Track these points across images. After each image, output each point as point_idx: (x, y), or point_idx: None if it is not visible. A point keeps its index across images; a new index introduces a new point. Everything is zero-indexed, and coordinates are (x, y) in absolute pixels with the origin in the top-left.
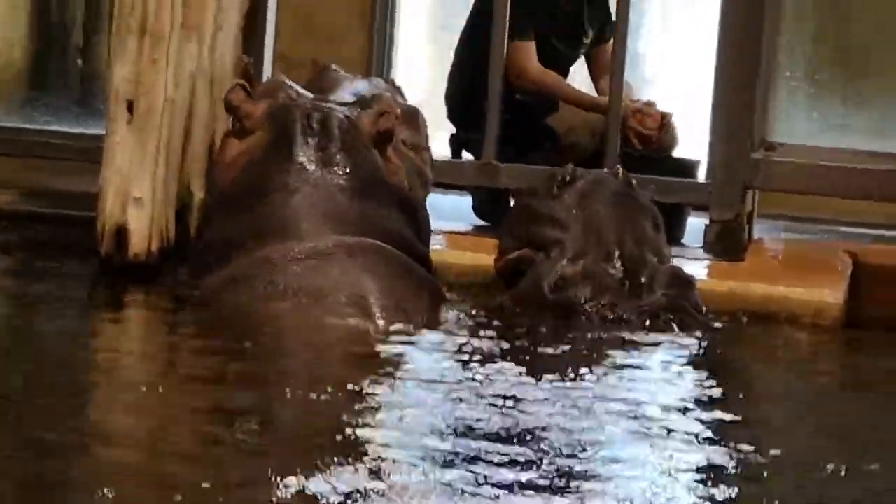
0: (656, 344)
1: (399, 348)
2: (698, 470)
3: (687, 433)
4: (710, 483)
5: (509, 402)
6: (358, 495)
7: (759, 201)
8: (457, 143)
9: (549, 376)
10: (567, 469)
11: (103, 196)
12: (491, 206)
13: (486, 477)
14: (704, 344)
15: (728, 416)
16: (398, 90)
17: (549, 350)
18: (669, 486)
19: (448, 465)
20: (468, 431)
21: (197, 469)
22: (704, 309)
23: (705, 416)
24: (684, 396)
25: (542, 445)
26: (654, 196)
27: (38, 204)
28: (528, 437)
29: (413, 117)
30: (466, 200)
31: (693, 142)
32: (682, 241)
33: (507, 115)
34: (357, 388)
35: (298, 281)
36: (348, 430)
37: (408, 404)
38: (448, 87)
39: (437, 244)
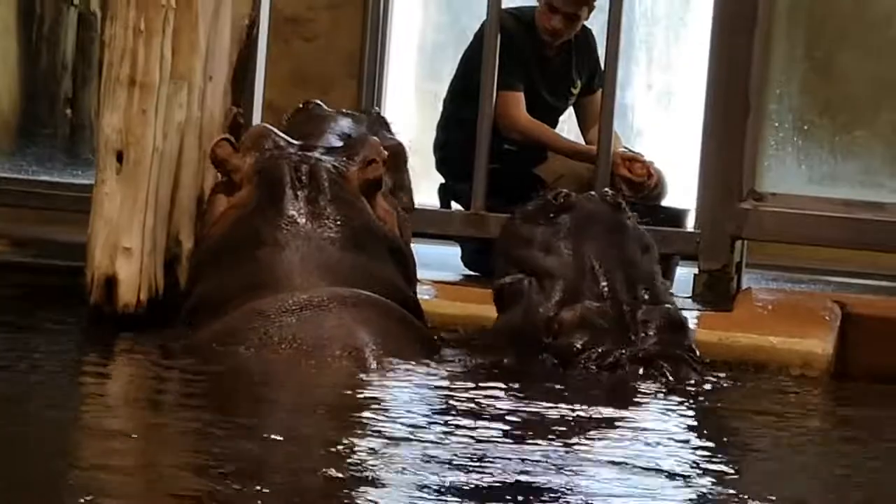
0: (649, 394)
1: (393, 401)
2: None
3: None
4: None
5: (495, 461)
6: None
7: (747, 251)
8: (445, 194)
9: (545, 436)
10: None
11: (92, 246)
12: (479, 257)
13: None
14: (696, 394)
15: (722, 477)
16: (383, 122)
17: (544, 403)
18: None
19: None
20: (462, 492)
21: None
22: (698, 351)
23: (698, 481)
24: (677, 455)
25: None
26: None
27: (26, 254)
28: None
29: (397, 157)
30: (454, 251)
31: (681, 191)
32: (671, 290)
33: (496, 165)
34: (347, 444)
35: (293, 332)
36: (336, 488)
37: (400, 461)
38: (437, 137)
39: (426, 294)
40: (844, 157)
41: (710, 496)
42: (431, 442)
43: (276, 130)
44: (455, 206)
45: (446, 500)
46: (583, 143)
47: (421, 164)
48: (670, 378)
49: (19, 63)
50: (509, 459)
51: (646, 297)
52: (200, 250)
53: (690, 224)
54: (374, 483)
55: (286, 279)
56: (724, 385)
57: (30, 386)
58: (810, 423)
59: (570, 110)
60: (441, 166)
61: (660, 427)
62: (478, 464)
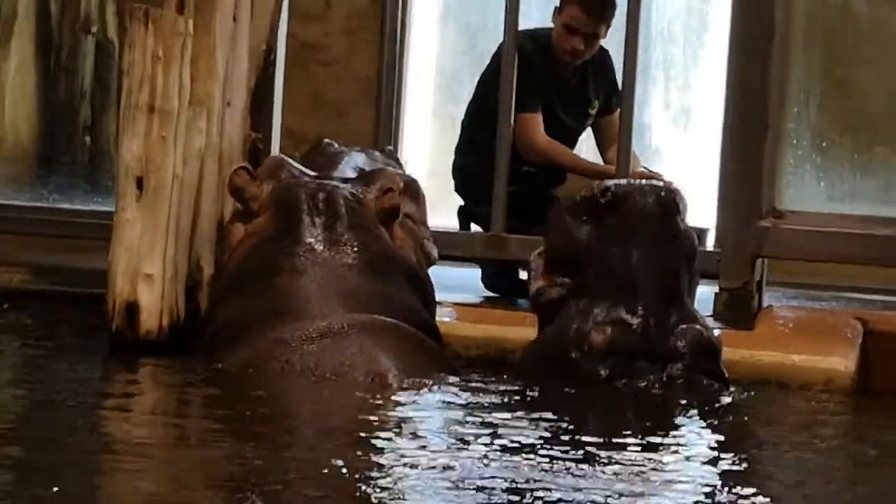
0: (676, 418)
1: (416, 424)
2: None
3: None
4: None
5: (519, 484)
6: None
7: (767, 269)
8: (465, 216)
9: (567, 461)
10: None
11: (113, 273)
12: (500, 278)
13: None
14: (722, 417)
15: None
16: (395, 160)
17: (568, 426)
18: None
19: None
20: None
21: None
22: (727, 374)
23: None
24: (705, 482)
25: None
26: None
27: (48, 282)
28: None
29: (414, 189)
30: (474, 273)
31: (700, 210)
32: None
33: (515, 187)
34: (369, 473)
35: (314, 360)
36: None
37: (422, 489)
38: (455, 159)
39: (446, 316)
40: (864, 174)
41: None
42: (459, 467)
43: (292, 161)
44: (475, 227)
45: None
46: (601, 163)
47: (439, 188)
48: (697, 405)
49: (38, 92)
50: (536, 482)
51: (682, 313)
52: (221, 277)
53: (710, 243)
54: None
55: (305, 306)
56: (748, 404)
57: (54, 407)
58: (836, 442)
59: (589, 131)
60: (460, 189)
61: (684, 457)
62: (500, 486)
